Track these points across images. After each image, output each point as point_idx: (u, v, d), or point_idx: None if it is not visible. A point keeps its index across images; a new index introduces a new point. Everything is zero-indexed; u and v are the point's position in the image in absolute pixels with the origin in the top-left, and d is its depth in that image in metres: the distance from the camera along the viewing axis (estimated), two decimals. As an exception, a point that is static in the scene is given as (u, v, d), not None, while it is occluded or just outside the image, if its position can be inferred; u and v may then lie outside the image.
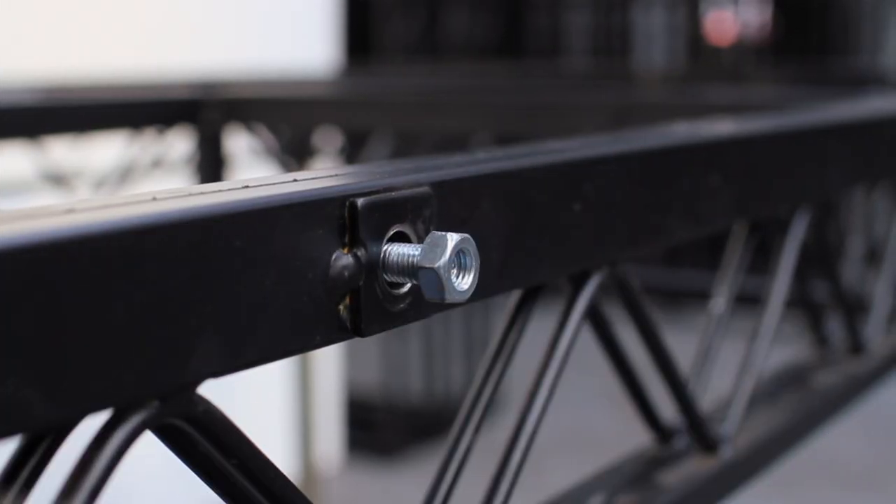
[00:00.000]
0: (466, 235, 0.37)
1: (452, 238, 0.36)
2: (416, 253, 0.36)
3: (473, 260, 0.37)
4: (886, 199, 0.98)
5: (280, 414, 2.51)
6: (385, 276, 0.37)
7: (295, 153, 1.48)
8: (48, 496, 0.29)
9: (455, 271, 0.36)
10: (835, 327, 0.87)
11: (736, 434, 0.67)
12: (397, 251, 0.36)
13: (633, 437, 0.74)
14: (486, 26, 5.48)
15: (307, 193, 0.35)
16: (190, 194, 0.33)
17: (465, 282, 0.37)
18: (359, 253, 0.36)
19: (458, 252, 0.36)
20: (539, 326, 0.53)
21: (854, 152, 0.79)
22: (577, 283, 0.51)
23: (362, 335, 0.36)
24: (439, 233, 0.37)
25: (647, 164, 0.53)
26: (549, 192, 0.46)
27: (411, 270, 0.36)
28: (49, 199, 1.39)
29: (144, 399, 0.30)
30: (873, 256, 1.06)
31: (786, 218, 0.73)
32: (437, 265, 0.36)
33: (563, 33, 5.31)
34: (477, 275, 0.37)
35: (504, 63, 4.01)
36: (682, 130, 0.62)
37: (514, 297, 0.51)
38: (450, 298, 0.36)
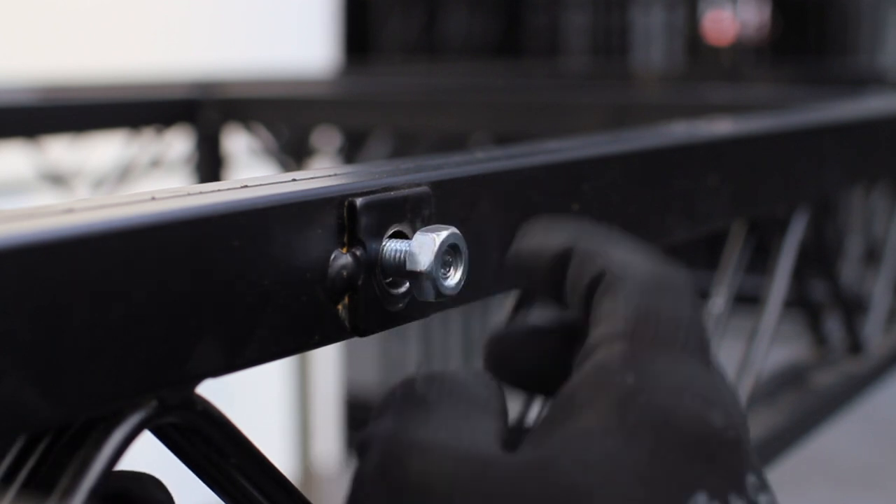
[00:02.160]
0: (454, 230, 0.37)
1: (439, 236, 0.36)
2: (407, 250, 0.36)
3: (463, 254, 0.37)
4: (885, 198, 0.98)
5: (279, 414, 2.51)
6: (383, 276, 0.37)
7: (293, 153, 1.48)
8: (47, 496, 0.29)
9: (443, 269, 0.37)
10: (834, 327, 0.87)
11: (735, 433, 0.67)
12: (393, 250, 0.37)
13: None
14: (485, 26, 5.48)
15: (306, 193, 0.35)
16: (189, 194, 0.33)
17: (454, 277, 0.37)
18: (357, 252, 0.36)
19: (446, 248, 0.36)
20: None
21: (852, 152, 0.79)
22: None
23: (361, 335, 0.36)
24: (425, 232, 0.37)
25: (646, 164, 0.53)
26: (548, 191, 0.46)
27: (403, 270, 0.36)
28: (48, 198, 1.39)
29: (143, 399, 0.30)
30: (872, 256, 1.06)
31: (784, 217, 0.73)
32: (422, 268, 0.36)
33: (562, 33, 5.32)
34: (467, 269, 0.37)
35: (503, 62, 4.01)
36: (681, 130, 0.62)
37: (514, 296, 0.51)
38: (440, 296, 0.36)
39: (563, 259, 0.35)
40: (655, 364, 0.30)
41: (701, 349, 0.32)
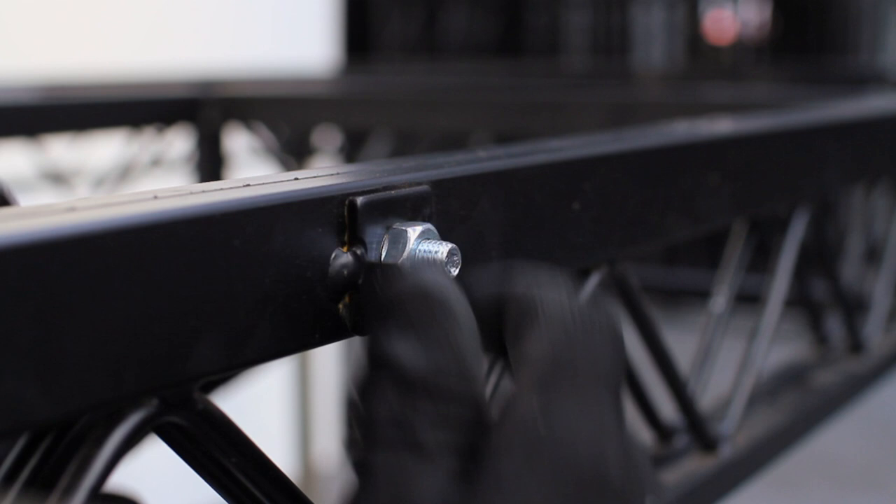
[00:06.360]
0: (428, 226, 0.37)
1: (414, 231, 0.36)
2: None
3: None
4: (886, 197, 0.98)
5: (279, 412, 2.51)
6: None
7: (294, 152, 1.48)
8: (48, 494, 0.29)
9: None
10: (834, 326, 0.87)
11: (735, 433, 0.67)
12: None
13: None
14: (485, 25, 5.48)
15: (307, 192, 0.35)
16: (191, 193, 0.33)
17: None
18: (358, 251, 0.36)
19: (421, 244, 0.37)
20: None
21: (853, 150, 0.79)
22: (577, 282, 0.51)
23: (362, 334, 0.36)
24: (398, 229, 0.37)
25: (647, 163, 0.53)
26: (549, 190, 0.46)
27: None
28: (48, 197, 1.39)
29: (144, 398, 0.30)
30: (873, 255, 1.06)
31: (785, 216, 0.73)
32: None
33: (563, 32, 5.32)
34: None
35: (503, 62, 4.01)
36: (682, 129, 0.62)
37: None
38: None
39: (498, 307, 0.36)
40: (565, 411, 0.32)
41: (613, 387, 0.34)
